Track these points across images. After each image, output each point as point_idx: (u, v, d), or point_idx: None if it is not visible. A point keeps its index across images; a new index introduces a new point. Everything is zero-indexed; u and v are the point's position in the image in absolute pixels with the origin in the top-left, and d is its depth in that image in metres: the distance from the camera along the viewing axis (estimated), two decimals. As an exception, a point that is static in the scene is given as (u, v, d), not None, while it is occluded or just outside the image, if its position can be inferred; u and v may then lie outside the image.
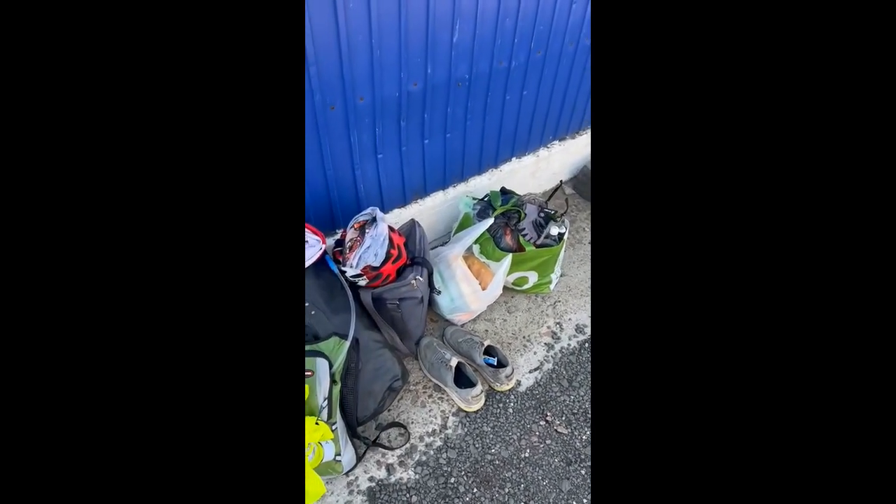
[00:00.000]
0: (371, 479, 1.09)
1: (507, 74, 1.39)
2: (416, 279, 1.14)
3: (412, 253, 1.21)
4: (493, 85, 1.38)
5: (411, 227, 1.24)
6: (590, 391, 1.28)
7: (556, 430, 1.20)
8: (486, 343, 1.27)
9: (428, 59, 1.17)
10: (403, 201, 1.46)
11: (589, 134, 1.87)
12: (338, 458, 1.02)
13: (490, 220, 1.30)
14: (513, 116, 1.54)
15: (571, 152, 1.86)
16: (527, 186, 1.81)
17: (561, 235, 1.38)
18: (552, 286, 1.51)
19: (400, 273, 1.17)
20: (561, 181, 1.60)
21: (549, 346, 1.39)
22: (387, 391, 1.12)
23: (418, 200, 1.50)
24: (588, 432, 1.20)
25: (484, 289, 1.31)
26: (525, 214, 1.35)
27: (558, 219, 1.36)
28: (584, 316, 1.47)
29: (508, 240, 1.35)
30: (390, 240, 1.12)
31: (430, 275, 1.20)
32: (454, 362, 1.21)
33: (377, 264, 1.09)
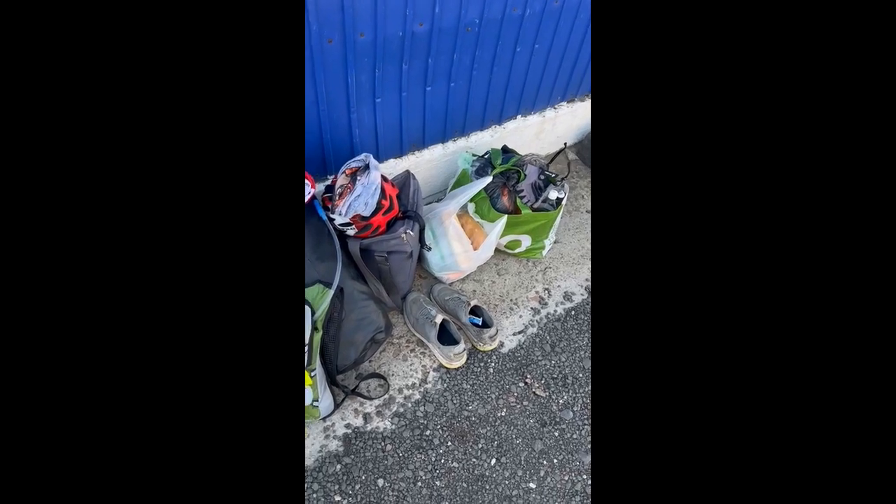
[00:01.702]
0: (348, 426, 1.10)
1: (521, 23, 1.30)
2: (406, 233, 1.11)
3: (404, 206, 1.17)
4: (505, 34, 1.29)
5: (406, 179, 1.20)
6: (570, 357, 1.29)
7: (534, 393, 1.21)
8: (473, 303, 1.26)
9: (437, -2, 1.09)
10: (400, 151, 1.40)
11: (599, 97, 1.79)
12: (315, 403, 1.03)
13: (488, 179, 1.26)
14: (522, 71, 1.46)
15: (578, 115, 1.79)
16: (530, 147, 1.75)
17: (559, 200, 1.34)
18: (545, 252, 1.49)
19: (390, 225, 1.14)
20: (565, 144, 1.54)
21: (536, 311, 1.38)
22: (369, 342, 1.11)
23: (416, 152, 1.44)
24: (565, 396, 1.22)
25: (476, 249, 1.29)
26: (525, 175, 1.31)
27: (558, 183, 1.32)
28: (573, 284, 1.46)
29: (505, 201, 1.31)
30: (382, 190, 1.08)
31: (422, 230, 1.17)
32: (439, 319, 1.20)
33: (367, 214, 1.06)
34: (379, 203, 1.07)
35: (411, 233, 1.11)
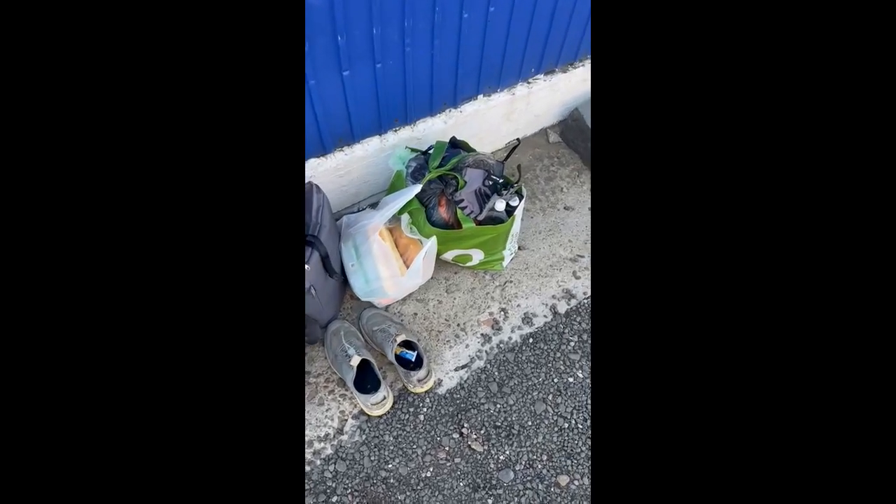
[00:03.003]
0: (244, 487, 0.96)
1: (460, -19, 1.00)
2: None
3: (305, 227, 0.95)
4: (439, -4, 1.00)
5: (308, 194, 0.97)
6: (520, 400, 1.08)
7: (469, 447, 1.02)
8: (401, 338, 1.06)
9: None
10: (322, 149, 1.16)
11: (586, 67, 1.47)
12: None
13: (417, 188, 1.02)
14: (475, 41, 1.17)
15: (561, 90, 1.48)
16: (499, 132, 1.47)
17: (511, 210, 1.09)
18: (505, 263, 1.25)
19: (287, 254, 0.93)
20: (518, 140, 1.26)
21: (486, 339, 1.17)
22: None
23: (345, 148, 1.20)
24: (507, 451, 1.02)
25: (404, 273, 1.07)
26: (465, 182, 1.05)
27: (506, 190, 1.06)
28: (536, 303, 1.23)
29: (443, 212, 1.07)
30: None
31: (325, 259, 0.95)
32: (356, 361, 1.01)
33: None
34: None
35: (307, 267, 0.90)
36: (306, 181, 1.02)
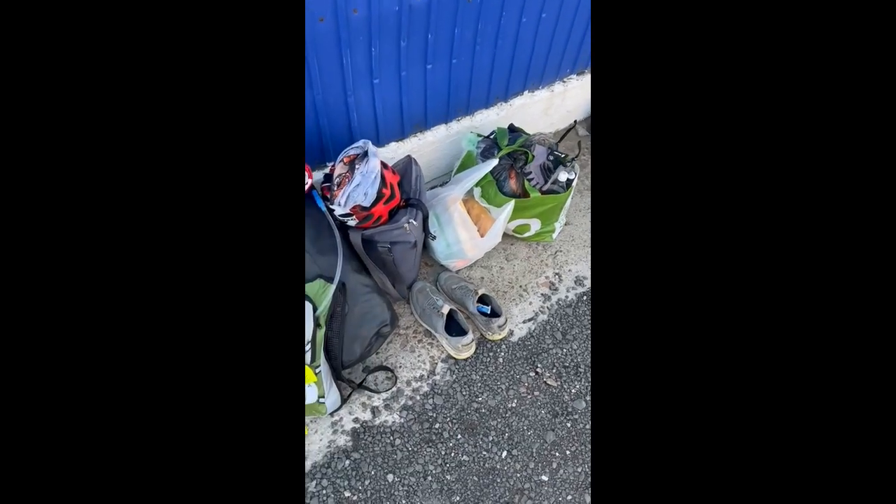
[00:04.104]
0: (356, 420, 1.09)
1: (526, -9, 1.21)
2: (409, 223, 1.06)
3: (406, 194, 1.12)
4: (509, 3, 1.20)
5: (407, 165, 1.14)
6: (583, 345, 1.25)
7: (545, 382, 1.18)
8: (481, 291, 1.22)
9: (434, -34, 1.00)
10: (401, 134, 1.33)
11: (611, 68, 1.69)
12: (321, 399, 1.01)
13: (494, 162, 1.20)
14: (528, 43, 1.37)
15: (589, 89, 1.69)
16: (538, 125, 1.66)
17: (570, 182, 1.28)
18: (555, 235, 1.43)
19: (392, 215, 1.09)
20: (575, 122, 1.46)
21: (546, 297, 1.34)
22: (374, 336, 1.08)
23: (418, 134, 1.37)
24: (577, 385, 1.18)
25: (482, 235, 1.24)
26: (533, 157, 1.24)
27: (568, 164, 1.25)
28: (584, 267, 1.41)
29: (513, 184, 1.25)
30: (383, 178, 1.03)
31: (426, 219, 1.12)
32: (446, 309, 1.16)
33: (367, 204, 1.01)
34: (379, 192, 1.02)
35: (414, 222, 1.06)
36: (405, 156, 1.18)
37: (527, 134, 1.35)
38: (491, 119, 1.48)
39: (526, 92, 1.54)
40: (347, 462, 1.03)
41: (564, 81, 1.62)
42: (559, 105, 1.66)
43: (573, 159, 1.28)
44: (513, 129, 1.36)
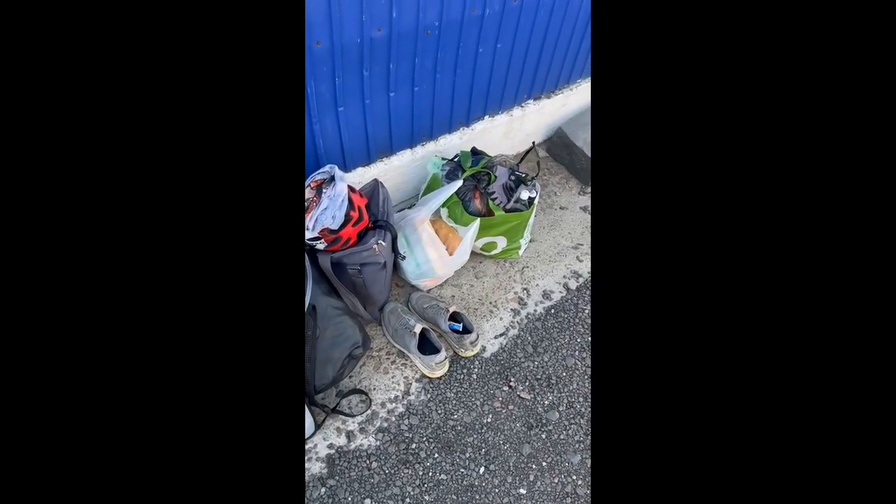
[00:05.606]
0: (330, 446, 1.07)
1: (481, 23, 1.28)
2: (378, 243, 1.08)
3: (374, 216, 1.14)
4: (466, 34, 1.28)
5: (374, 188, 1.17)
6: (553, 357, 1.28)
7: (518, 396, 1.20)
8: (452, 309, 1.24)
9: (393, 2, 1.06)
10: (367, 159, 1.37)
11: (565, 94, 1.80)
12: (294, 426, 0.99)
13: (459, 183, 1.24)
14: (486, 71, 1.45)
15: (546, 112, 1.79)
16: (499, 147, 1.74)
17: (531, 200, 1.33)
18: (521, 251, 1.48)
19: (361, 237, 1.11)
20: (534, 143, 1.54)
21: (516, 312, 1.37)
22: (346, 358, 1.08)
23: (384, 159, 1.41)
24: (550, 397, 1.21)
25: (451, 254, 1.27)
26: (495, 177, 1.29)
27: (529, 182, 1.31)
28: (551, 282, 1.45)
29: (477, 203, 1.30)
30: (350, 201, 1.05)
31: (394, 239, 1.14)
32: (418, 329, 1.18)
33: (335, 227, 1.03)
34: (347, 215, 1.04)
35: (383, 243, 1.08)
36: (372, 179, 1.21)
37: (489, 156, 1.41)
38: (454, 143, 1.54)
39: (487, 117, 1.61)
40: (323, 490, 1.01)
41: (523, 107, 1.70)
42: (518, 129, 1.74)
43: (533, 178, 1.34)
44: (475, 152, 1.42)
